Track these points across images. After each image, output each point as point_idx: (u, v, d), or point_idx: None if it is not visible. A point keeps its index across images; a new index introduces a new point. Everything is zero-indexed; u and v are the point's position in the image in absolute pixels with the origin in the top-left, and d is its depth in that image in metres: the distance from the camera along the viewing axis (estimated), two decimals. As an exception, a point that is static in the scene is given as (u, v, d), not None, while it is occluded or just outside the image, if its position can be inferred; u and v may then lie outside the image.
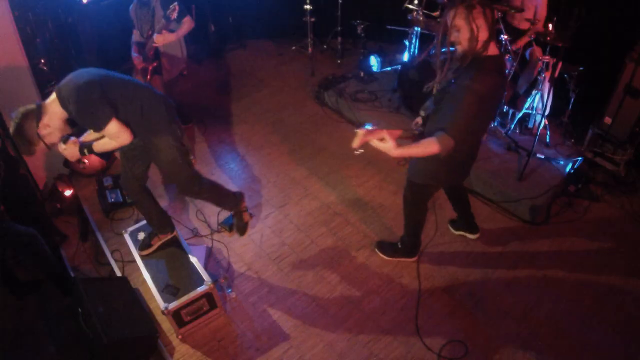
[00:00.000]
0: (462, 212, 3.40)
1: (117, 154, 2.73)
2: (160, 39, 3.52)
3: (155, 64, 3.72)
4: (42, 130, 2.41)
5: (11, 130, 2.39)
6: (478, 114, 2.24)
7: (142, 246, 3.13)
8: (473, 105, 2.18)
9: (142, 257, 3.11)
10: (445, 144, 2.19)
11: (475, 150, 2.66)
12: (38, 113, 2.38)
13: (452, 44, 2.24)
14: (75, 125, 2.59)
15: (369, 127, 2.20)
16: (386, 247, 3.37)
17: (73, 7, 4.48)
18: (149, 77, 3.76)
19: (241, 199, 3.28)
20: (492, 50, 2.21)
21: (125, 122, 2.48)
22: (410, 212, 3.10)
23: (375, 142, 2.19)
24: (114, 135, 2.48)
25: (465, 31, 2.13)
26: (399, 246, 3.30)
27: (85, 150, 2.61)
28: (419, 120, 2.79)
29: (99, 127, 2.43)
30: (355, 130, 2.20)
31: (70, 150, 2.59)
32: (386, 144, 2.18)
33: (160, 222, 3.12)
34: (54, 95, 2.41)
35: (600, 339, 2.83)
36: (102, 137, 2.57)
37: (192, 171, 2.90)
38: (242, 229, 3.36)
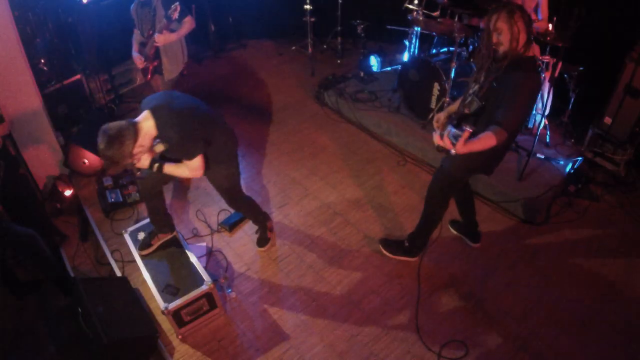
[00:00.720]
0: (468, 218, 3.39)
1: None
2: (161, 39, 3.52)
3: (155, 64, 3.72)
4: (137, 149, 2.39)
5: (102, 146, 2.30)
6: (527, 109, 2.51)
7: (142, 246, 3.13)
8: (525, 100, 2.42)
9: (142, 257, 3.11)
10: (500, 137, 2.34)
11: (512, 141, 2.80)
12: (135, 133, 2.36)
13: (495, 45, 2.43)
14: None
15: (456, 131, 2.28)
16: (391, 244, 3.37)
17: (73, 7, 4.48)
18: (149, 76, 3.76)
19: (269, 218, 3.51)
20: (532, 51, 2.43)
21: (205, 157, 2.64)
22: (433, 206, 3.07)
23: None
24: (193, 169, 2.61)
25: (507, 33, 2.35)
26: (406, 244, 3.29)
27: (156, 166, 2.60)
28: (443, 118, 2.86)
29: (188, 157, 2.56)
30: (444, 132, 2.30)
31: (144, 161, 2.54)
32: (459, 141, 2.30)
33: (163, 221, 3.13)
34: (147, 115, 2.43)
35: (600, 339, 2.83)
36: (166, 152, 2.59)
37: (239, 189, 3.11)
38: (262, 242, 3.49)
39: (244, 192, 3.20)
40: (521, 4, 3.90)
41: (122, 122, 2.36)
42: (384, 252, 3.36)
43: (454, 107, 2.86)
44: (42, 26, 4.18)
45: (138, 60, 3.73)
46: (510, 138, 2.49)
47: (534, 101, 2.62)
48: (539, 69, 2.50)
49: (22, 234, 2.93)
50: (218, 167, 2.84)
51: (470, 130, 2.22)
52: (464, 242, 3.47)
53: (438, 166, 2.99)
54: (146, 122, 2.43)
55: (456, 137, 2.22)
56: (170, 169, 2.63)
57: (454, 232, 3.53)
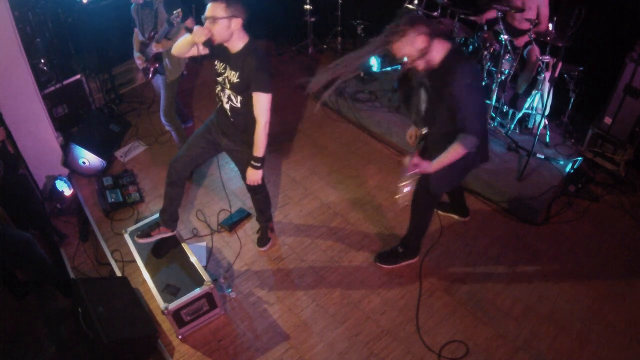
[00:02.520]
0: (456, 198, 3.48)
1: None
2: (160, 47, 3.53)
3: (157, 65, 3.72)
4: (210, 25, 2.45)
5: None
6: (479, 101, 2.48)
7: (141, 234, 3.10)
8: (472, 96, 2.37)
9: (142, 257, 3.08)
10: (470, 142, 2.38)
11: (486, 133, 2.78)
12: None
13: (416, 68, 2.42)
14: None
15: (405, 188, 2.38)
16: (387, 256, 3.31)
17: (73, 7, 4.48)
18: (150, 76, 3.76)
19: (270, 219, 3.52)
20: (441, 45, 2.36)
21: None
22: (421, 215, 3.07)
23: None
24: (264, 109, 2.71)
25: (413, 55, 2.32)
26: (400, 250, 3.26)
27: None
28: (414, 133, 2.89)
29: (262, 88, 2.63)
30: (399, 196, 2.39)
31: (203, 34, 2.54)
32: (422, 165, 2.40)
33: (172, 215, 3.12)
34: (244, 35, 2.57)
35: (600, 339, 2.83)
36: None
37: (262, 175, 3.11)
38: (263, 242, 3.49)
39: (265, 182, 3.19)
40: (521, 6, 3.93)
41: None
42: (385, 266, 3.29)
43: None
44: (42, 26, 4.17)
45: (139, 60, 3.73)
46: (482, 138, 2.49)
47: (479, 90, 2.56)
48: (462, 50, 2.53)
49: (16, 241, 2.90)
50: (243, 149, 2.89)
51: (410, 187, 2.28)
52: (464, 242, 3.46)
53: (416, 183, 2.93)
54: (240, 38, 2.56)
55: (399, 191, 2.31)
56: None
57: (442, 213, 3.56)
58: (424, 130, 2.72)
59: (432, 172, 2.45)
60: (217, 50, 2.64)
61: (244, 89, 2.66)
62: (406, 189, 2.44)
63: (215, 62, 2.73)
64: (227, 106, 2.77)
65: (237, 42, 2.58)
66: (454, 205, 3.55)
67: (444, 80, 2.36)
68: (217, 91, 2.82)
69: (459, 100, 2.34)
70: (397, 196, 2.42)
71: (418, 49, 2.30)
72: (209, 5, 2.45)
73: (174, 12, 3.23)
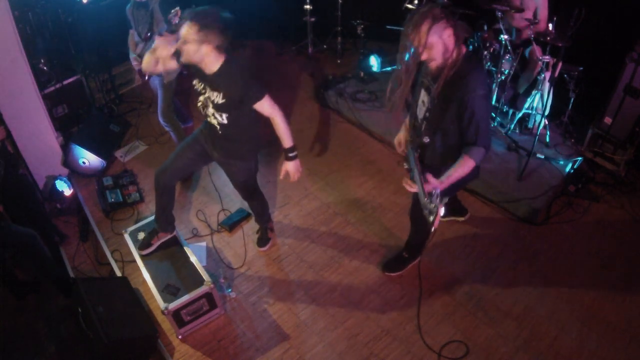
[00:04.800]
0: (451, 200, 3.41)
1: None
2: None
3: None
4: (181, 44, 2.37)
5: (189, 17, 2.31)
6: (489, 113, 2.40)
7: (142, 245, 3.13)
8: (485, 109, 2.25)
9: (142, 256, 3.10)
10: (479, 155, 2.25)
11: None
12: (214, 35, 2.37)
13: (427, 62, 2.24)
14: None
15: (436, 201, 2.11)
16: (393, 264, 3.26)
17: (73, 7, 4.48)
18: (146, 77, 3.75)
19: (270, 219, 3.53)
20: (460, 49, 2.19)
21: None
22: (423, 225, 2.93)
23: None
24: (271, 109, 2.59)
25: (439, 46, 2.13)
26: (406, 255, 3.23)
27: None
28: (403, 141, 2.74)
29: (258, 97, 2.51)
30: (431, 207, 2.12)
31: (170, 60, 2.53)
32: (431, 184, 2.18)
33: (167, 219, 3.14)
34: (220, 54, 2.44)
35: (600, 339, 2.83)
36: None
37: (255, 184, 3.12)
38: (262, 242, 3.49)
39: (259, 188, 3.20)
40: (519, 6, 3.93)
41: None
42: (393, 274, 3.25)
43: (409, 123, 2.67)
44: (42, 26, 4.17)
45: (135, 62, 3.72)
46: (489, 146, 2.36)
47: (490, 100, 2.52)
48: (479, 58, 2.40)
49: (21, 234, 2.93)
50: (236, 162, 2.88)
51: (442, 207, 2.06)
52: (464, 242, 3.46)
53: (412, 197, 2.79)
54: (215, 56, 2.43)
55: (429, 212, 2.06)
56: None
57: (443, 219, 3.54)
58: (426, 140, 2.47)
59: (442, 189, 2.19)
60: (193, 68, 2.52)
61: (232, 108, 2.55)
62: (440, 211, 2.23)
63: (194, 81, 2.64)
64: (213, 121, 2.66)
65: (211, 65, 2.46)
66: (452, 209, 3.52)
67: (456, 85, 2.18)
68: (199, 106, 2.70)
69: (473, 111, 2.17)
70: (430, 219, 2.13)
71: (444, 42, 2.11)
72: (184, 24, 2.35)
73: (172, 10, 3.21)
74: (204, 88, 2.60)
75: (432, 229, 2.13)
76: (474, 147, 2.23)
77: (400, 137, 2.76)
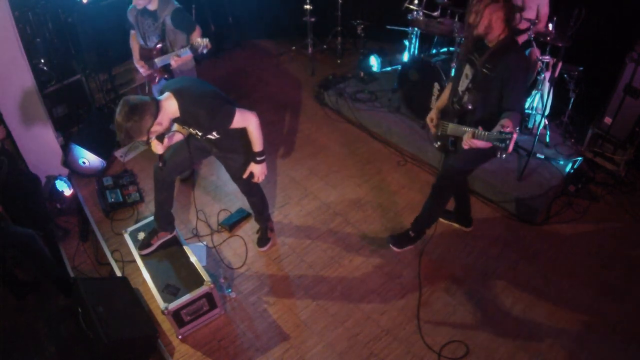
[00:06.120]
0: (462, 205, 3.45)
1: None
2: (179, 62, 3.47)
3: (166, 75, 3.67)
4: (155, 127, 2.40)
5: (121, 117, 2.28)
6: (527, 87, 2.70)
7: (141, 246, 3.13)
8: (525, 81, 2.57)
9: (142, 257, 3.10)
10: (517, 120, 2.44)
11: None
12: (156, 109, 2.38)
13: (471, 26, 2.50)
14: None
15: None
16: (399, 239, 3.40)
17: (73, 7, 4.48)
18: (156, 82, 3.72)
19: (270, 219, 3.55)
20: (507, 31, 2.50)
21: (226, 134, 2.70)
22: (440, 199, 3.14)
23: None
24: (244, 123, 2.67)
25: (486, 18, 2.42)
26: (412, 235, 3.35)
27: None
28: (435, 116, 2.92)
29: (226, 124, 2.59)
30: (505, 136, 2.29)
31: (156, 145, 2.66)
32: (505, 123, 2.33)
33: (167, 218, 3.14)
34: (170, 96, 2.48)
35: (600, 339, 2.83)
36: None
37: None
38: (262, 242, 3.49)
39: (259, 184, 3.18)
40: (521, 5, 3.92)
41: (145, 97, 2.38)
42: (396, 249, 3.38)
43: (442, 103, 2.91)
44: (42, 26, 4.17)
45: (142, 68, 3.65)
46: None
47: (529, 76, 2.75)
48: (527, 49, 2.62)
49: (21, 234, 2.93)
50: (234, 156, 2.90)
51: (516, 133, 2.28)
52: (464, 242, 3.46)
53: (441, 167, 3.05)
54: (168, 101, 2.46)
55: (503, 141, 2.24)
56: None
57: (445, 221, 3.55)
58: (468, 107, 2.68)
59: (483, 147, 2.43)
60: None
61: (212, 132, 2.67)
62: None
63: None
64: (208, 136, 2.76)
65: (170, 117, 2.50)
66: (458, 214, 3.52)
67: (502, 58, 2.44)
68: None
69: (516, 80, 2.45)
70: (504, 145, 2.32)
71: (495, 25, 2.42)
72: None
73: (204, 41, 3.21)
74: (182, 127, 2.78)
75: (504, 155, 2.32)
76: (513, 112, 2.44)
77: (432, 114, 2.96)
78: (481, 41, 2.57)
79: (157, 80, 3.71)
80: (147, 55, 3.60)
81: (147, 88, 4.10)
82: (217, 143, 2.81)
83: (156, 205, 3.10)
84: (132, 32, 3.67)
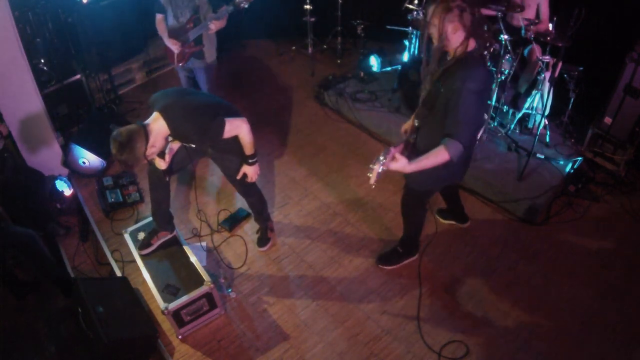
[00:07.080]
0: (453, 204, 3.46)
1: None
2: (213, 27, 3.58)
3: (198, 48, 3.74)
4: (149, 150, 2.43)
5: (114, 151, 2.33)
6: (479, 112, 2.29)
7: (141, 246, 3.13)
8: (473, 105, 2.18)
9: (142, 257, 3.10)
10: (455, 150, 2.18)
11: (474, 145, 2.67)
12: (146, 135, 2.39)
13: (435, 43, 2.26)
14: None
15: (382, 159, 2.20)
16: (387, 257, 3.31)
17: (73, 7, 4.48)
18: (185, 61, 3.78)
19: (270, 219, 3.55)
20: (471, 45, 2.22)
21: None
22: (412, 217, 3.09)
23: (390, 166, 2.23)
24: (235, 130, 2.66)
25: (437, 29, 2.17)
26: (400, 250, 3.27)
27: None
28: (408, 127, 2.79)
29: (217, 137, 2.58)
30: (370, 166, 2.23)
31: (159, 162, 2.79)
32: (398, 162, 2.23)
33: (165, 217, 3.14)
34: (157, 116, 2.47)
35: (600, 339, 2.83)
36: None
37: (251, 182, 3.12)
38: (262, 242, 3.49)
39: (256, 183, 3.18)
40: (520, 4, 3.92)
41: (132, 126, 2.39)
42: (387, 267, 3.29)
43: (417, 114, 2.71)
44: (42, 26, 4.17)
45: (174, 45, 3.71)
46: (468, 146, 2.28)
47: (483, 101, 2.40)
48: (485, 59, 2.35)
49: (21, 234, 2.93)
50: (230, 157, 2.90)
51: (383, 164, 2.15)
52: (463, 242, 3.46)
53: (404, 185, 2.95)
54: (157, 122, 2.46)
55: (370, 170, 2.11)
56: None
57: (442, 221, 3.55)
58: (416, 123, 2.57)
59: (408, 172, 2.27)
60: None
61: (205, 145, 2.73)
62: (376, 169, 2.31)
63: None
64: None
65: (163, 136, 2.51)
66: (452, 212, 3.53)
67: (452, 74, 2.20)
68: None
69: (458, 102, 2.15)
70: (369, 175, 2.27)
71: (452, 37, 2.16)
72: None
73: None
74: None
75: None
76: (452, 140, 2.18)
77: (406, 125, 2.82)
78: (445, 53, 2.32)
79: (186, 59, 3.76)
80: (179, 32, 3.69)
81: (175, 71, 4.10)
82: (213, 145, 2.82)
83: (153, 204, 3.10)
84: (159, 16, 3.73)
